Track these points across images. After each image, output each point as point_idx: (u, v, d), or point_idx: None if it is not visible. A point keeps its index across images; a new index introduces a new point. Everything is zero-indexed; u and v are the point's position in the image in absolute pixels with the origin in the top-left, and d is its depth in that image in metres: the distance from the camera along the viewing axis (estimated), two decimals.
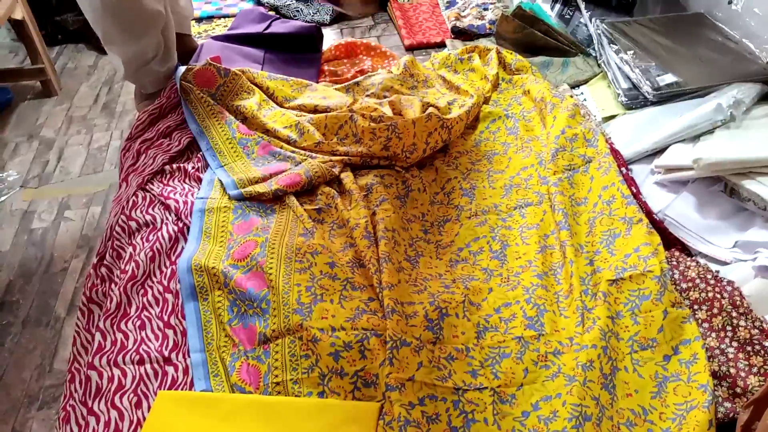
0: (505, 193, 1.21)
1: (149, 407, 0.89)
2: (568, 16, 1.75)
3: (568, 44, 1.62)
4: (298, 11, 2.03)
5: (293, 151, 1.29)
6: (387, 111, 1.35)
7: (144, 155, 1.30)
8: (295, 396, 0.87)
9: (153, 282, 1.04)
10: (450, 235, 1.15)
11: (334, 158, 1.27)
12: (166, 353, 0.95)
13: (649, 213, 1.10)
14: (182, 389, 0.91)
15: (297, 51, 1.71)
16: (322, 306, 0.95)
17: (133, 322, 0.99)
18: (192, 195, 1.21)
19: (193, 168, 1.29)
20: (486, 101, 1.47)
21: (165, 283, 1.04)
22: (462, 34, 1.85)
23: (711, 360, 0.86)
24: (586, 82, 1.52)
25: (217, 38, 1.72)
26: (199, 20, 2.07)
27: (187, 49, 1.65)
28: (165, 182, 1.25)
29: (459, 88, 1.50)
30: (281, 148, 1.30)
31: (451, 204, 1.22)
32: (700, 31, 1.51)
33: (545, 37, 1.63)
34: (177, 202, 1.18)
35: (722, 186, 1.10)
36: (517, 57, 1.58)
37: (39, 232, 1.33)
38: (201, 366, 0.92)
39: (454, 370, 0.89)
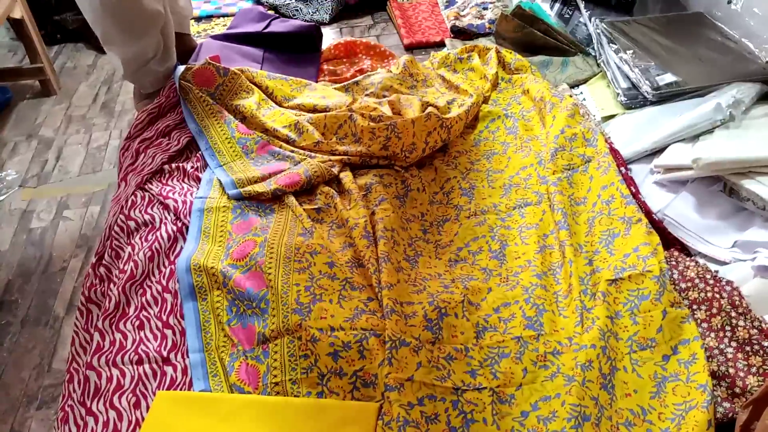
0: (504, 192, 1.21)
1: (148, 407, 0.88)
2: (567, 16, 1.75)
3: (567, 44, 1.62)
4: (297, 10, 2.03)
5: (292, 151, 1.29)
6: (386, 110, 1.35)
7: (143, 155, 1.30)
8: (294, 396, 0.87)
9: (152, 282, 1.04)
10: (449, 234, 1.15)
11: (333, 158, 1.26)
12: (164, 353, 0.95)
13: (648, 213, 1.10)
14: (181, 389, 0.91)
15: (296, 50, 1.71)
16: (321, 306, 0.94)
17: (131, 322, 0.98)
18: (191, 194, 1.21)
19: (192, 167, 1.29)
20: (485, 101, 1.47)
21: (164, 282, 1.04)
22: (461, 33, 1.84)
23: (710, 360, 0.86)
24: (585, 81, 1.52)
25: (216, 37, 1.71)
26: (198, 19, 2.06)
27: (186, 48, 1.65)
28: (164, 182, 1.25)
29: (458, 88, 1.50)
30: (280, 147, 1.30)
31: (451, 204, 1.22)
32: (700, 30, 1.51)
33: (545, 37, 1.63)
34: (176, 201, 1.17)
35: (721, 186, 1.10)
36: (517, 56, 1.58)
37: (38, 232, 1.33)
38: (200, 366, 0.92)
39: (453, 370, 0.89)
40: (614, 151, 1.23)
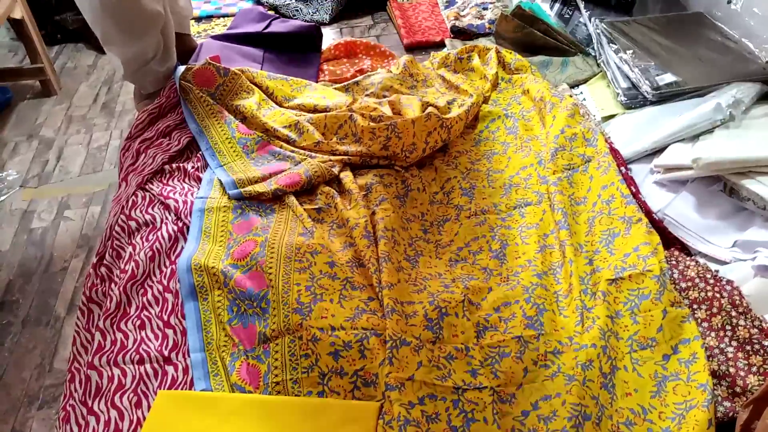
0: (504, 192, 1.21)
1: (149, 407, 0.89)
2: (567, 16, 1.75)
3: (567, 44, 1.62)
4: (297, 10, 2.03)
5: (293, 151, 1.29)
6: (386, 110, 1.35)
7: (143, 155, 1.30)
8: (295, 395, 0.87)
9: (153, 281, 1.04)
10: (449, 234, 1.15)
11: (333, 158, 1.27)
12: (165, 353, 0.95)
13: (648, 212, 1.10)
14: (182, 389, 0.91)
15: (296, 50, 1.71)
16: (322, 305, 0.95)
17: (132, 322, 0.99)
18: (191, 194, 1.21)
19: (192, 167, 1.29)
20: (485, 101, 1.47)
21: (165, 282, 1.04)
22: (461, 33, 1.85)
23: (710, 359, 0.86)
24: (585, 81, 1.52)
25: (216, 38, 1.72)
26: (198, 20, 2.07)
27: (186, 48, 1.65)
28: (164, 182, 1.25)
29: (458, 88, 1.50)
30: (281, 147, 1.30)
31: (451, 203, 1.22)
32: (700, 30, 1.51)
33: (545, 37, 1.63)
34: (176, 201, 1.18)
35: (722, 185, 1.10)
36: (517, 56, 1.58)
37: (39, 232, 1.34)
38: (201, 365, 0.92)
39: (454, 370, 0.89)
40: (614, 151, 1.23)
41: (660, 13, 1.65)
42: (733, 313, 0.90)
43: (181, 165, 1.29)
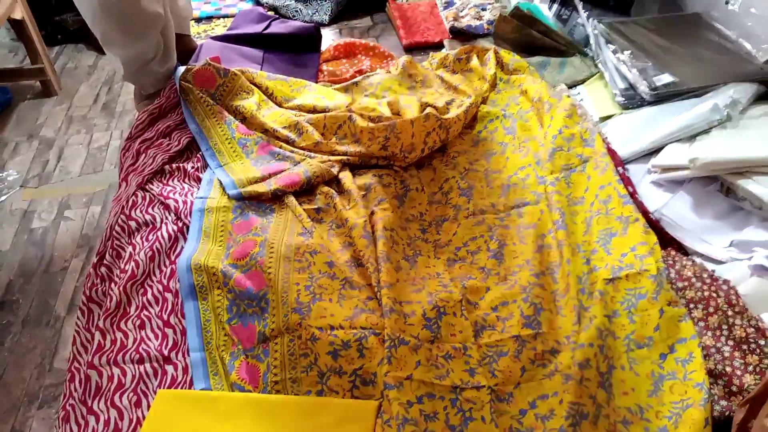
0: (502, 192, 1.21)
1: (149, 406, 0.89)
2: (565, 17, 1.76)
3: (565, 44, 1.63)
4: (297, 11, 2.03)
5: (292, 151, 1.30)
6: (385, 111, 1.36)
7: (144, 155, 1.31)
8: (294, 394, 0.88)
9: (153, 281, 1.05)
10: (448, 234, 1.16)
11: (332, 158, 1.27)
12: (165, 352, 0.95)
13: (645, 212, 1.10)
14: (182, 388, 0.92)
15: (296, 51, 1.71)
16: (321, 305, 0.95)
17: (132, 322, 0.99)
18: (191, 195, 1.21)
19: (192, 168, 1.29)
20: (484, 101, 1.47)
21: (164, 282, 1.05)
22: (460, 34, 1.85)
23: (707, 358, 0.87)
24: (583, 82, 1.53)
25: (216, 38, 1.72)
26: (198, 20, 2.07)
27: (186, 49, 1.65)
28: (165, 182, 1.25)
29: (457, 88, 1.51)
30: (280, 148, 1.31)
31: (449, 203, 1.22)
32: (697, 31, 1.52)
33: (543, 38, 1.64)
34: (176, 201, 1.18)
35: (719, 185, 1.11)
36: (515, 57, 1.58)
37: (39, 232, 1.34)
38: (200, 365, 0.93)
39: (452, 369, 0.90)
40: (612, 151, 1.23)
41: (658, 14, 1.65)
42: (730, 313, 0.90)
43: (181, 165, 1.30)
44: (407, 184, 1.24)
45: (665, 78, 1.37)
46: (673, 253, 1.03)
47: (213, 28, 2.03)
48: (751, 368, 0.85)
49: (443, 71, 1.61)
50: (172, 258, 1.09)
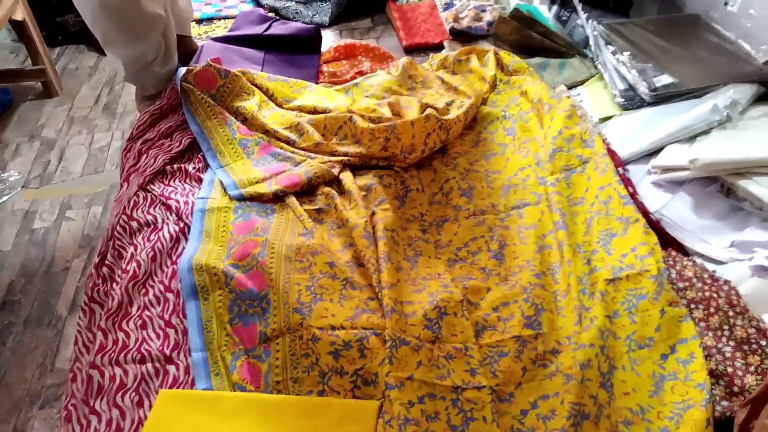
0: (502, 193, 1.22)
1: (150, 406, 0.89)
2: (565, 18, 1.76)
3: (565, 45, 1.63)
4: (297, 13, 2.04)
5: (293, 152, 1.30)
6: (386, 112, 1.36)
7: (145, 155, 1.31)
8: (296, 395, 0.88)
9: (154, 281, 1.05)
10: (448, 234, 1.16)
11: (333, 159, 1.27)
12: (167, 352, 0.96)
13: (645, 213, 1.10)
14: (183, 388, 0.92)
15: (296, 52, 1.72)
16: (322, 305, 0.95)
17: (134, 322, 0.99)
18: (193, 195, 1.21)
19: (193, 168, 1.30)
20: (484, 102, 1.48)
21: (166, 282, 1.05)
22: (460, 35, 1.85)
23: (708, 359, 0.87)
24: (582, 83, 1.53)
25: (217, 40, 1.72)
26: (199, 22, 2.07)
27: (187, 50, 1.65)
28: (166, 182, 1.26)
29: (457, 89, 1.51)
30: (281, 148, 1.31)
31: (450, 204, 1.22)
32: (697, 32, 1.52)
33: (542, 39, 1.64)
34: (178, 202, 1.18)
35: (719, 186, 1.11)
36: (515, 58, 1.59)
37: (40, 232, 1.34)
38: (202, 365, 0.93)
39: (453, 369, 0.90)
40: (612, 152, 1.23)
41: (657, 15, 1.66)
42: (731, 313, 0.90)
43: (182, 166, 1.30)
44: (408, 185, 1.24)
45: (665, 79, 1.37)
46: (673, 253, 1.03)
47: (214, 30, 2.03)
48: (752, 369, 0.85)
49: (443, 72, 1.61)
50: (174, 258, 1.09)
